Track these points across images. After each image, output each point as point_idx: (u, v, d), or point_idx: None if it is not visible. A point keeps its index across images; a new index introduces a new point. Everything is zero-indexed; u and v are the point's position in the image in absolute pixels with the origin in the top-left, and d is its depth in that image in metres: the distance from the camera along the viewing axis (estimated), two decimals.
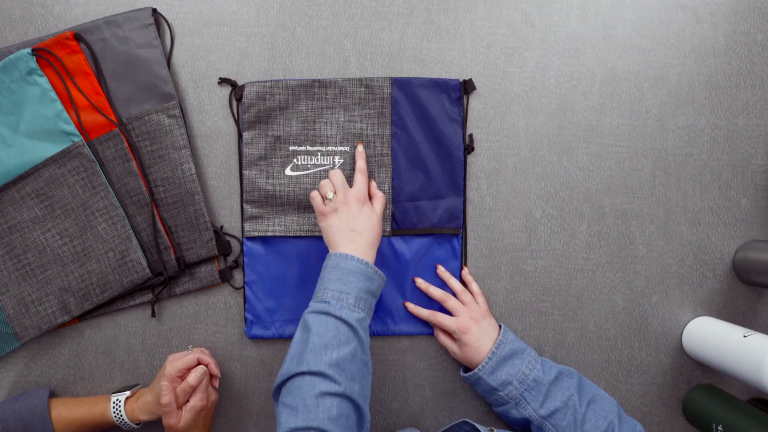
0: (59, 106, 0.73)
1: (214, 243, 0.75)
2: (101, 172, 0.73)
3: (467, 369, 0.75)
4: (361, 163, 0.74)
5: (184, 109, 0.77)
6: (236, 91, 0.76)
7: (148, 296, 0.76)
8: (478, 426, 0.64)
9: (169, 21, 0.77)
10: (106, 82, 0.75)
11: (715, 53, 0.78)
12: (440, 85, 0.77)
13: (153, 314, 0.76)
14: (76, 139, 0.73)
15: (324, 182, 0.71)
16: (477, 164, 0.78)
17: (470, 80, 0.77)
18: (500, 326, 0.73)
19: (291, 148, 0.77)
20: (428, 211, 0.77)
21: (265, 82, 0.76)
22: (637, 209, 0.78)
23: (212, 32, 0.77)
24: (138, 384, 0.76)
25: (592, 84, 0.78)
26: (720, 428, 0.69)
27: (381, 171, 0.77)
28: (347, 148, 0.77)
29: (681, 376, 0.79)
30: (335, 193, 0.69)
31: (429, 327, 0.77)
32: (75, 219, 0.74)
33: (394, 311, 0.77)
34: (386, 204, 0.76)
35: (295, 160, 0.77)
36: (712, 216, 0.78)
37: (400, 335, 0.78)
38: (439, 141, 0.77)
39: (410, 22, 0.78)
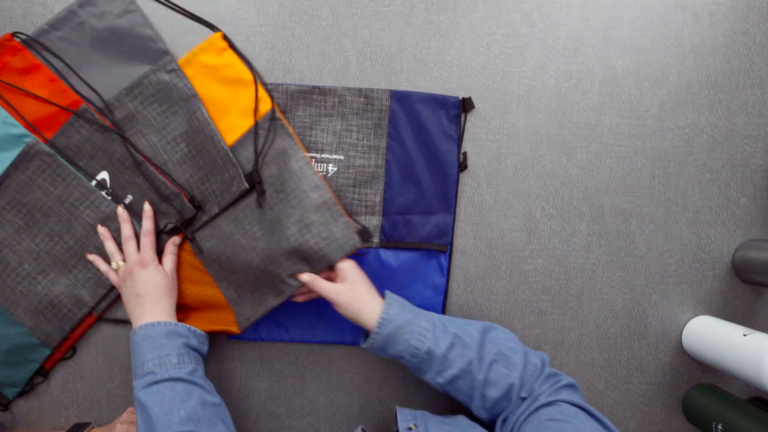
0: (3, 112, 0.72)
1: (242, 175, 0.72)
2: (65, 163, 0.72)
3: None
4: (147, 224, 0.72)
5: None
6: None
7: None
8: (399, 418, 0.63)
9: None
10: (88, 63, 0.74)
11: (715, 53, 0.78)
12: (439, 102, 0.76)
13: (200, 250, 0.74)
14: (28, 140, 0.72)
15: (110, 250, 0.72)
16: (477, 164, 0.78)
17: (469, 99, 0.77)
18: (383, 297, 0.67)
19: None
20: (418, 226, 0.77)
21: (265, 84, 0.76)
22: (636, 208, 0.78)
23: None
24: (90, 423, 0.75)
25: (592, 83, 0.78)
26: (720, 427, 0.69)
27: (374, 182, 0.77)
28: (342, 157, 0.77)
29: (681, 375, 0.79)
30: (124, 261, 0.71)
31: None
32: (57, 216, 0.73)
33: None
34: (176, 261, 0.73)
35: None
36: (712, 215, 0.79)
37: None
38: (433, 157, 0.76)
39: (410, 22, 0.78)
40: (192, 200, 0.73)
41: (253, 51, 0.77)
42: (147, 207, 0.72)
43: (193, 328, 0.67)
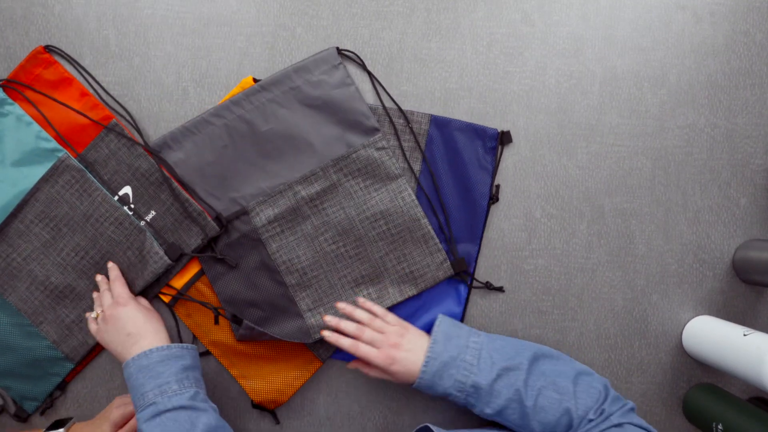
0: (36, 127, 0.73)
1: (449, 263, 0.76)
2: (93, 179, 0.73)
3: None
4: (114, 272, 0.73)
5: (183, 109, 0.77)
6: None
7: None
8: (435, 430, 0.62)
9: (352, 55, 0.77)
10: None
11: (715, 53, 0.78)
12: (477, 132, 0.77)
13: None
14: (60, 154, 0.73)
15: (96, 302, 0.72)
16: None
17: (508, 132, 0.77)
18: (432, 329, 0.69)
19: None
20: None
21: None
22: (636, 208, 0.79)
23: (212, 32, 0.77)
24: (72, 418, 0.75)
25: (592, 83, 0.78)
26: (720, 427, 0.69)
27: None
28: None
29: (681, 375, 0.79)
30: (102, 311, 0.70)
31: None
32: (82, 232, 0.74)
33: None
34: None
35: None
36: (712, 215, 0.79)
37: None
38: (465, 186, 0.77)
39: (410, 22, 0.78)
40: (217, 219, 0.74)
41: (253, 51, 0.77)
42: (111, 264, 0.74)
43: (185, 345, 0.66)
